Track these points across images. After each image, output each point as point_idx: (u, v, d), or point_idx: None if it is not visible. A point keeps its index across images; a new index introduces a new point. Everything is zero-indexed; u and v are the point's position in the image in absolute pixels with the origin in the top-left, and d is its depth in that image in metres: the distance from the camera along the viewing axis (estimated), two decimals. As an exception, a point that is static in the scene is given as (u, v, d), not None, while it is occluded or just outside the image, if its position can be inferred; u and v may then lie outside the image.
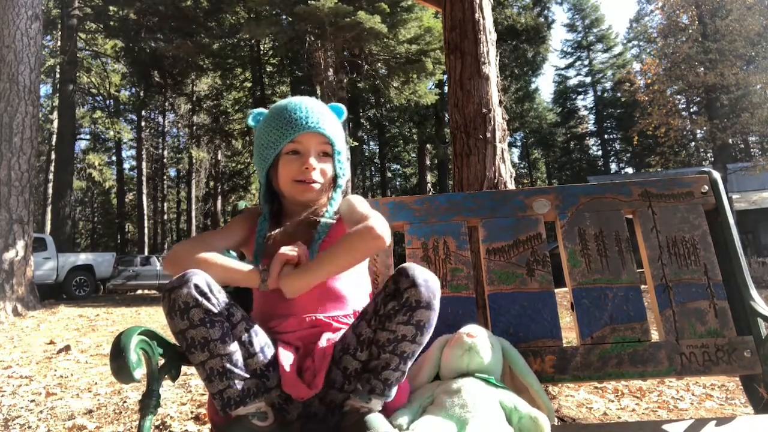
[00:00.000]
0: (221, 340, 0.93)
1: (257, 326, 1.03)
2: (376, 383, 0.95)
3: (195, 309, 0.92)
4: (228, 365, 0.94)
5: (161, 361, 1.04)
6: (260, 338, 1.01)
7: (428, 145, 25.33)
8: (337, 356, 1.01)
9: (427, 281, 0.93)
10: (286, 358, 1.00)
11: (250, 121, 1.23)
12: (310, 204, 1.19)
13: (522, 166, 34.41)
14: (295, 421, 1.02)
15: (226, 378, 0.94)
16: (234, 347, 0.96)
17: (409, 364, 0.97)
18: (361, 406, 0.95)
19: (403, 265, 0.96)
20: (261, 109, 1.23)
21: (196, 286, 0.93)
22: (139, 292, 15.46)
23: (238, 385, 0.95)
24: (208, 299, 0.93)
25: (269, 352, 1.02)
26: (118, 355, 0.90)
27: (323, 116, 1.16)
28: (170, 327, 0.94)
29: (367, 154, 32.39)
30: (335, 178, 1.20)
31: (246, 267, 1.05)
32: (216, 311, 0.94)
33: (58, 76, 20.66)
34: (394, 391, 0.98)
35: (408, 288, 0.92)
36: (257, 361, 1.00)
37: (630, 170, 33.43)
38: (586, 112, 35.81)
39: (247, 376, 0.97)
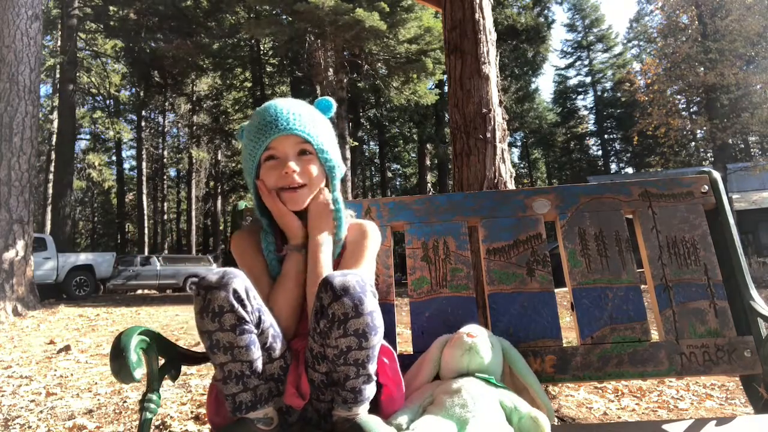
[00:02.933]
0: (246, 347, 0.91)
1: (281, 331, 1.01)
2: (347, 394, 0.93)
3: (228, 314, 0.88)
4: (247, 371, 0.92)
5: (161, 361, 1.04)
6: (283, 343, 1.00)
7: (428, 145, 25.34)
8: (304, 368, 1.00)
9: (348, 288, 0.87)
10: (290, 370, 1.01)
11: (239, 137, 1.19)
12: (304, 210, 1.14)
13: (522, 166, 34.40)
14: (294, 424, 1.03)
15: (242, 383, 0.93)
16: (257, 354, 0.93)
17: (371, 365, 0.93)
18: (347, 415, 0.94)
19: (325, 276, 0.91)
20: (246, 123, 1.18)
21: (235, 292, 0.89)
22: (139, 292, 15.47)
23: (252, 390, 0.94)
24: (243, 306, 0.90)
25: (289, 356, 1.02)
26: (118, 355, 0.90)
27: (295, 115, 1.10)
28: (197, 324, 0.91)
29: (367, 154, 32.39)
30: (328, 177, 1.15)
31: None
32: (248, 319, 0.91)
33: (58, 76, 20.65)
34: (369, 391, 0.95)
35: (330, 303, 0.88)
36: (277, 366, 0.99)
37: (630, 170, 33.43)
38: (586, 112, 35.82)
39: (263, 381, 0.96)
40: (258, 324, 0.94)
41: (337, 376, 0.93)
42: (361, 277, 0.91)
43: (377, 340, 0.92)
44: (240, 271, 0.93)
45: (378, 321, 0.91)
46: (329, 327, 0.89)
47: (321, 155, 1.13)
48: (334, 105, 1.22)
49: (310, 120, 1.12)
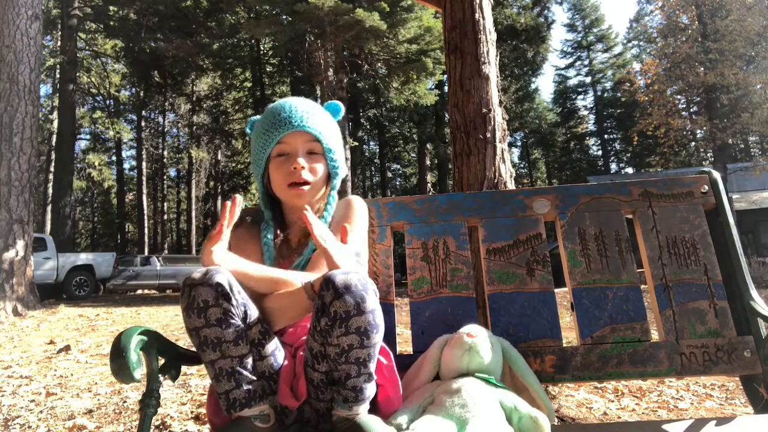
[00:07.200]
0: (234, 342, 0.92)
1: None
2: (347, 393, 0.93)
3: (213, 308, 0.90)
4: (237, 367, 0.93)
5: (161, 361, 1.04)
6: (273, 341, 1.01)
7: (428, 145, 25.33)
8: (303, 368, 1.00)
9: (350, 287, 0.88)
10: (284, 369, 1.01)
11: (247, 129, 1.23)
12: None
13: (522, 166, 34.42)
14: (292, 425, 1.03)
15: (234, 379, 0.93)
16: (246, 349, 0.94)
17: (372, 364, 0.94)
18: (347, 414, 0.94)
19: (327, 273, 0.91)
20: (257, 117, 1.23)
21: (218, 285, 0.91)
22: (139, 292, 15.45)
23: (245, 387, 0.94)
24: (228, 300, 0.92)
25: (279, 355, 1.02)
26: (118, 355, 0.90)
27: (309, 114, 1.14)
28: (185, 323, 0.92)
29: (367, 154, 32.40)
30: (329, 177, 1.19)
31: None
32: (234, 312, 0.92)
33: (58, 76, 20.66)
34: (370, 390, 0.96)
35: (332, 301, 0.88)
36: (267, 364, 0.99)
37: (630, 170, 33.44)
38: (586, 112, 35.84)
39: (255, 378, 0.96)
40: (244, 318, 0.95)
41: (338, 374, 0.93)
42: (363, 276, 0.92)
43: (378, 338, 0.92)
44: (223, 269, 0.95)
45: (379, 319, 0.91)
46: (330, 325, 0.89)
47: (327, 155, 1.17)
48: (343, 109, 1.26)
49: (321, 120, 1.16)
